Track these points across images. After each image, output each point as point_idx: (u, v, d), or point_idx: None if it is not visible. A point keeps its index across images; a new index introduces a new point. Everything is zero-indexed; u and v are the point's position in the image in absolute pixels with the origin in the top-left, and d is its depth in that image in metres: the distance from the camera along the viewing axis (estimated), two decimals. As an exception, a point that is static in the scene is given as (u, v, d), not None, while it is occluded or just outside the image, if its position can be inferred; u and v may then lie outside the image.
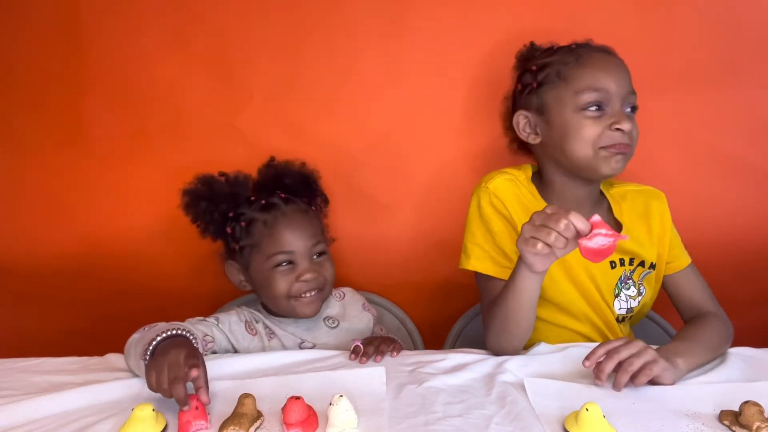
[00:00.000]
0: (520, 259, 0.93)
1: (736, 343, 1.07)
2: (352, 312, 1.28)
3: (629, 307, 1.16)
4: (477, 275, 1.13)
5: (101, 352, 1.08)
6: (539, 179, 1.18)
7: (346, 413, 0.78)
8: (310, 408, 0.81)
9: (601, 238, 0.84)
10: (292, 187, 1.25)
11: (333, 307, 1.27)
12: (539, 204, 1.12)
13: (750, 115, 1.39)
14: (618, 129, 1.03)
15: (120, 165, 1.47)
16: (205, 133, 1.45)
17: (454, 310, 1.43)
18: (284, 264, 1.17)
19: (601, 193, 1.19)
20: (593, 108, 1.05)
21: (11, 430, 0.83)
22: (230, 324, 1.17)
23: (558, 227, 0.85)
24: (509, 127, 1.19)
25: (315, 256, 1.19)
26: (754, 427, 0.77)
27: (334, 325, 1.25)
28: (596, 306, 1.13)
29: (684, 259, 1.21)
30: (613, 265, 1.14)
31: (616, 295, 1.15)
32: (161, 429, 0.80)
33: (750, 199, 1.42)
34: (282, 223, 1.17)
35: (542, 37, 1.32)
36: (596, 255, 0.85)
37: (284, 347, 1.18)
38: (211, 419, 0.82)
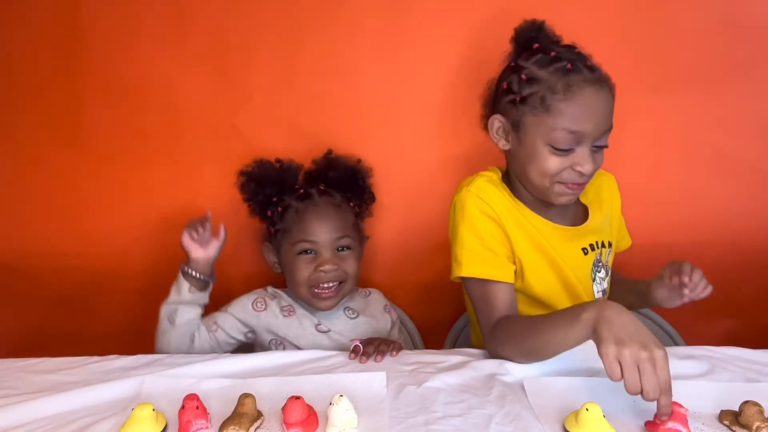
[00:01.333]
0: (587, 323, 0.85)
1: (736, 343, 1.07)
2: (373, 310, 1.32)
3: (603, 288, 1.19)
4: (468, 282, 1.10)
5: (101, 352, 1.08)
6: (508, 180, 1.17)
7: (346, 413, 0.78)
8: (310, 408, 0.81)
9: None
10: (336, 181, 1.30)
11: (356, 301, 1.32)
12: (517, 205, 1.13)
13: (751, 115, 1.39)
14: (579, 171, 1.05)
15: (120, 165, 1.47)
16: (205, 133, 1.45)
17: (454, 310, 1.43)
18: (308, 252, 1.22)
19: None
20: (564, 149, 1.04)
21: (11, 430, 0.83)
22: (238, 305, 1.26)
23: (650, 386, 0.78)
24: (484, 114, 1.18)
25: (339, 249, 1.23)
26: (754, 427, 0.77)
27: (353, 316, 1.29)
28: (577, 296, 1.15)
29: (627, 240, 1.29)
30: (585, 251, 1.16)
31: (593, 280, 1.17)
32: (161, 429, 0.80)
33: (750, 199, 1.42)
34: (311, 212, 1.23)
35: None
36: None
37: (300, 325, 1.24)
38: (212, 419, 0.82)
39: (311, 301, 1.24)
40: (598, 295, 1.17)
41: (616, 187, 1.26)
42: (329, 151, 1.35)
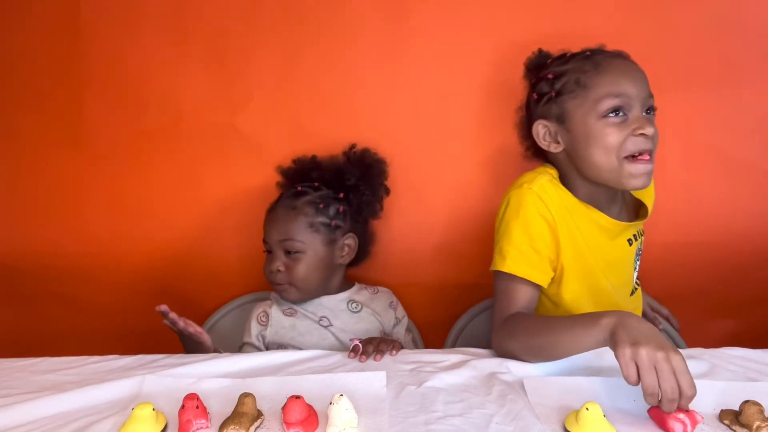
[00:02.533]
0: (604, 329, 0.86)
1: (736, 343, 1.07)
2: (377, 306, 1.33)
3: (637, 275, 1.21)
4: (501, 276, 1.08)
5: (101, 352, 1.08)
6: (564, 182, 1.15)
7: (346, 412, 0.78)
8: (310, 407, 0.81)
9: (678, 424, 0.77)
10: (324, 178, 1.34)
11: (362, 295, 1.33)
12: (578, 205, 1.10)
13: (751, 114, 1.39)
14: (641, 134, 1.02)
15: (120, 165, 1.47)
16: (205, 133, 1.45)
17: (454, 310, 1.43)
18: (268, 252, 1.28)
19: None
20: (615, 114, 1.03)
21: (11, 429, 0.83)
22: (251, 333, 1.30)
23: (668, 386, 0.77)
24: (525, 136, 1.19)
25: (288, 252, 1.26)
26: (754, 427, 0.77)
27: (357, 309, 1.31)
28: (602, 306, 1.13)
29: None
30: (630, 242, 1.16)
31: (635, 269, 1.20)
32: (161, 428, 0.80)
33: (750, 198, 1.42)
34: (268, 215, 1.30)
35: (541, 40, 1.33)
36: (658, 419, 0.79)
37: (304, 322, 1.28)
38: (212, 418, 0.82)
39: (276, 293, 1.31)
40: (634, 283, 1.20)
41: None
42: (353, 146, 1.38)
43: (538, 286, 1.08)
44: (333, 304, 1.30)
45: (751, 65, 1.37)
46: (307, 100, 1.43)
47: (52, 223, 1.50)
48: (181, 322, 1.13)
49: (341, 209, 1.30)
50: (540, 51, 1.20)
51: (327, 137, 1.43)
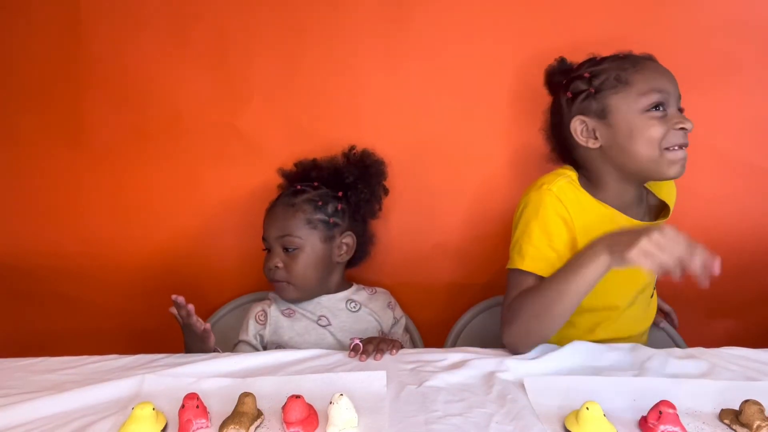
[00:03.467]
0: (600, 253, 0.97)
1: (736, 343, 1.07)
2: (375, 306, 1.34)
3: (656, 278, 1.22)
4: (517, 273, 1.10)
5: (101, 352, 1.08)
6: (586, 183, 1.17)
7: (346, 412, 0.78)
8: (310, 407, 0.81)
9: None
10: (323, 177, 1.35)
11: (360, 295, 1.34)
12: (597, 205, 1.13)
13: (751, 114, 1.39)
14: (682, 128, 1.07)
15: (120, 165, 1.47)
16: (205, 133, 1.45)
17: (454, 310, 1.43)
18: (266, 251, 1.29)
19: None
20: (656, 109, 1.08)
21: (11, 429, 0.83)
22: (249, 331, 1.29)
23: (690, 257, 0.89)
24: (550, 137, 1.23)
25: (286, 249, 1.26)
26: (755, 426, 0.77)
27: (355, 309, 1.31)
28: (642, 285, 1.17)
29: None
30: None
31: None
32: (161, 428, 0.80)
33: (751, 198, 1.42)
34: (267, 212, 1.31)
35: (541, 40, 1.34)
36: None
37: (303, 323, 1.29)
38: (212, 418, 0.82)
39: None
40: (653, 285, 1.22)
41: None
42: (352, 147, 1.38)
43: None
44: (332, 303, 1.31)
45: (751, 65, 1.37)
46: (307, 100, 1.43)
47: (52, 223, 1.50)
48: (195, 317, 1.12)
49: (339, 207, 1.31)
50: (562, 59, 1.22)
51: (327, 137, 1.43)
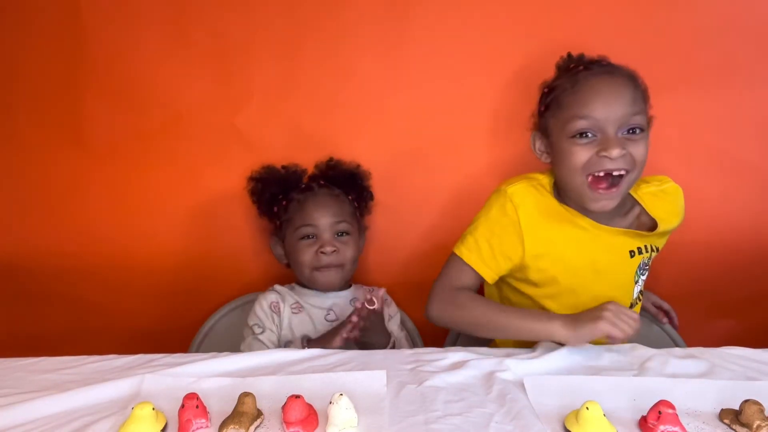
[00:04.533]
0: (555, 320, 1.02)
1: (736, 343, 1.07)
2: None
3: (641, 290, 1.21)
4: (455, 257, 1.16)
5: (101, 352, 1.08)
6: (557, 189, 1.18)
7: (346, 412, 0.78)
8: (310, 407, 0.81)
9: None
10: (338, 181, 1.38)
11: (360, 294, 1.37)
12: (561, 210, 1.13)
13: (752, 114, 1.39)
14: (604, 156, 1.04)
15: (120, 165, 1.47)
16: (205, 133, 1.45)
17: (454, 310, 1.43)
18: (309, 237, 1.30)
19: (630, 196, 1.19)
20: (582, 135, 1.06)
21: (11, 429, 0.83)
22: (266, 323, 1.29)
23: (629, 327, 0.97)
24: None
25: (338, 234, 1.31)
26: (755, 426, 0.77)
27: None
28: (615, 294, 1.15)
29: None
30: (632, 254, 1.16)
31: (635, 282, 1.18)
32: (161, 428, 0.80)
33: (751, 198, 1.42)
34: (310, 200, 1.32)
35: (542, 41, 1.34)
36: None
37: (311, 319, 1.30)
38: (212, 418, 0.82)
39: (315, 281, 1.31)
40: (635, 296, 1.19)
41: (682, 199, 1.24)
42: (330, 159, 1.41)
43: (479, 278, 1.15)
44: (340, 300, 1.34)
45: (751, 65, 1.37)
46: (306, 100, 1.43)
47: (52, 223, 1.50)
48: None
49: (356, 206, 1.39)
50: (569, 55, 1.19)
51: (327, 138, 1.43)
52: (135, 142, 1.46)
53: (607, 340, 1.02)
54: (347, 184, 1.39)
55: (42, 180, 1.49)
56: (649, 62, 1.35)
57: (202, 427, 0.81)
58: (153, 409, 0.80)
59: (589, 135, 1.05)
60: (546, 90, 1.15)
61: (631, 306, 1.19)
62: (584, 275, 1.14)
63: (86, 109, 1.45)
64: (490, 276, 1.14)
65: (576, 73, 1.09)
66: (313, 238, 1.31)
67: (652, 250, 1.20)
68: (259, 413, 0.82)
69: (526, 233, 1.12)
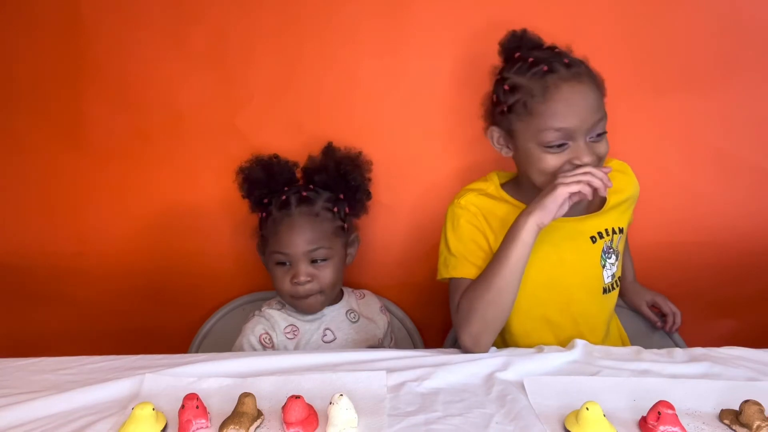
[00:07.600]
0: (523, 218, 1.04)
1: (736, 343, 1.07)
2: (370, 312, 1.35)
3: (613, 273, 1.20)
4: (449, 283, 1.17)
5: (101, 352, 1.08)
6: (516, 183, 1.21)
7: (346, 412, 0.78)
8: (310, 407, 0.81)
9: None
10: (333, 175, 1.29)
11: (354, 302, 1.34)
12: (517, 209, 1.13)
13: (751, 114, 1.39)
14: (576, 163, 1.07)
15: (120, 165, 1.47)
16: (205, 133, 1.45)
17: (454, 310, 1.43)
18: (284, 264, 1.23)
19: None
20: (555, 145, 1.07)
21: (10, 429, 0.83)
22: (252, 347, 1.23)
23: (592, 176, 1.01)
24: (486, 127, 1.22)
25: (314, 261, 1.22)
26: (755, 426, 0.77)
27: (355, 320, 1.31)
28: (584, 281, 1.18)
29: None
30: (594, 239, 1.17)
31: (603, 267, 1.19)
32: (161, 428, 0.80)
33: (751, 198, 1.42)
34: (285, 224, 1.22)
35: (542, 37, 1.33)
36: None
37: (308, 342, 1.25)
38: (212, 418, 0.82)
39: (295, 307, 1.26)
40: (608, 281, 1.19)
41: (631, 172, 1.26)
42: (329, 144, 1.35)
43: None
44: (335, 314, 1.30)
45: (751, 65, 1.37)
46: (306, 100, 1.43)
47: (52, 223, 1.50)
48: None
49: (347, 210, 1.30)
50: (514, 32, 1.19)
51: (327, 138, 1.43)
52: (135, 142, 1.46)
53: (584, 202, 1.08)
54: (339, 183, 1.30)
55: (41, 180, 1.49)
56: (650, 63, 1.36)
57: (202, 428, 0.81)
58: (153, 409, 0.80)
59: (562, 145, 1.07)
60: (507, 87, 1.12)
61: (605, 291, 1.19)
62: (551, 268, 1.15)
63: (86, 109, 1.45)
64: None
65: (543, 75, 1.08)
66: (287, 265, 1.23)
67: (614, 233, 1.20)
68: (259, 413, 0.82)
69: (489, 235, 1.15)
